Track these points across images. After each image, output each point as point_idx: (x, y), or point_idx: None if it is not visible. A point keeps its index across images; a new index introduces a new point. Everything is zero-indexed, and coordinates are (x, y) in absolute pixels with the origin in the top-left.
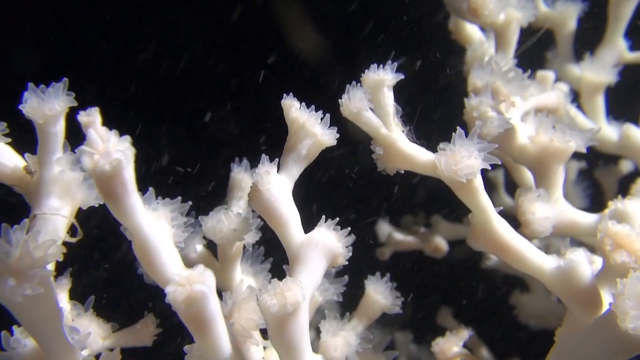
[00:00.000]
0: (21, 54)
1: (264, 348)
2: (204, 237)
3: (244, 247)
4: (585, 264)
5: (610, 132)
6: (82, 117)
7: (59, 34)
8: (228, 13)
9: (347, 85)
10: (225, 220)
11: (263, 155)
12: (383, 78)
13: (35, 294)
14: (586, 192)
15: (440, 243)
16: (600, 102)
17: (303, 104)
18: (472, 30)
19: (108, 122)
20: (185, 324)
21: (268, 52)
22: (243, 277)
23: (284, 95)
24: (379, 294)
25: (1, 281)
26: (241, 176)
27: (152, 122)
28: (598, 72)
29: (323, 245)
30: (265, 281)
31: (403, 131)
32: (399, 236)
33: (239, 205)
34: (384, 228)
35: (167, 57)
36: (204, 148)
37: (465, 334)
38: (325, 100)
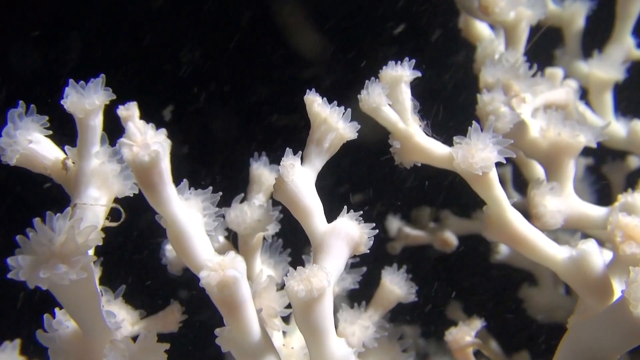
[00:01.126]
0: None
1: (284, 334)
2: (226, 229)
3: (264, 238)
4: (597, 253)
5: (618, 128)
6: (122, 111)
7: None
8: (230, 15)
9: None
10: (249, 212)
11: (287, 148)
12: (401, 74)
13: (79, 278)
14: (593, 188)
15: (450, 237)
16: (608, 99)
17: (324, 99)
18: (481, 28)
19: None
20: (218, 307)
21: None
22: (262, 268)
23: (307, 91)
24: (395, 284)
25: (48, 266)
26: (260, 171)
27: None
28: (606, 69)
29: (345, 234)
30: (284, 272)
31: (420, 126)
32: (409, 230)
33: (258, 198)
34: (394, 223)
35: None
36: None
37: (477, 324)
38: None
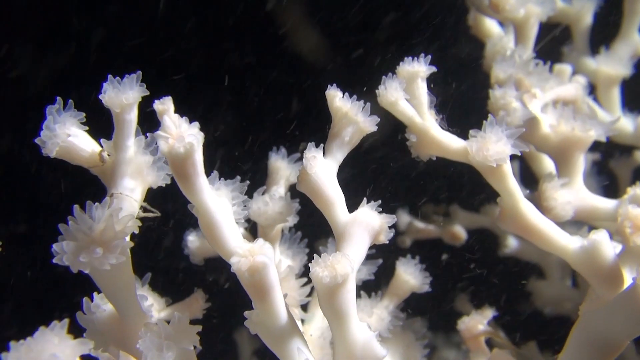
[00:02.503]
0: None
1: (302, 322)
2: (246, 220)
3: (282, 230)
4: (608, 243)
5: (625, 123)
6: (157, 105)
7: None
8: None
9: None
10: (270, 203)
11: (310, 143)
12: (417, 70)
13: (118, 262)
14: (600, 183)
15: (459, 231)
16: (615, 95)
17: (346, 94)
18: (491, 25)
19: None
20: (248, 291)
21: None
22: (281, 258)
23: (328, 86)
24: (409, 275)
25: (89, 251)
26: (279, 164)
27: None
28: (614, 65)
29: (367, 224)
30: (302, 262)
31: (436, 120)
32: (419, 224)
33: (277, 191)
34: (404, 217)
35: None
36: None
37: (489, 313)
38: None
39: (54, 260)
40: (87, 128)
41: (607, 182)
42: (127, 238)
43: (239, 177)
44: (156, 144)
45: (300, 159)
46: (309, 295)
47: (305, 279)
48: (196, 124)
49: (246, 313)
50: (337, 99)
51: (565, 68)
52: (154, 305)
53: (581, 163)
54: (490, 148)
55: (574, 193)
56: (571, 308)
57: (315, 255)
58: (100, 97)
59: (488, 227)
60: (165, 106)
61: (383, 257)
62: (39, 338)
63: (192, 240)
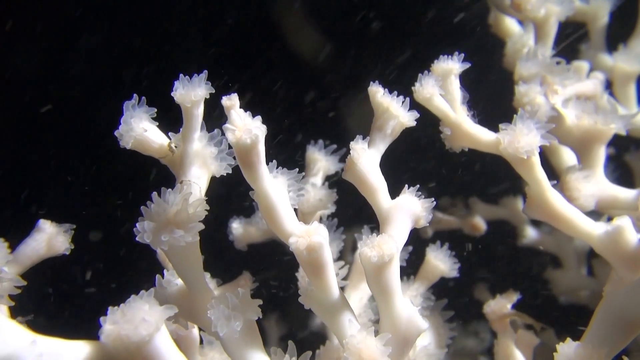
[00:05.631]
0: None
1: None
2: None
3: (320, 218)
4: (631, 228)
5: None
6: (225, 100)
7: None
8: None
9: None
10: (312, 191)
11: (358, 135)
12: (451, 67)
13: (193, 240)
14: (613, 175)
15: (479, 222)
16: (632, 90)
17: (386, 89)
18: (511, 24)
19: None
20: (304, 268)
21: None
22: None
23: (370, 83)
24: (439, 260)
25: (167, 230)
26: (316, 155)
27: None
28: (630, 61)
29: (408, 209)
30: (338, 248)
31: (468, 115)
32: (440, 215)
33: (315, 181)
34: None
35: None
36: None
37: (514, 297)
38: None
39: (137, 238)
40: (157, 123)
41: (621, 176)
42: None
43: (297, 169)
44: (219, 137)
45: (335, 151)
46: (345, 278)
47: (342, 263)
48: (259, 118)
49: (301, 289)
50: (379, 95)
51: (583, 65)
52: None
53: (602, 155)
54: (521, 140)
55: (596, 184)
56: (586, 296)
57: (363, 237)
58: (172, 94)
59: (507, 219)
60: (232, 101)
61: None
62: (131, 304)
63: (236, 227)
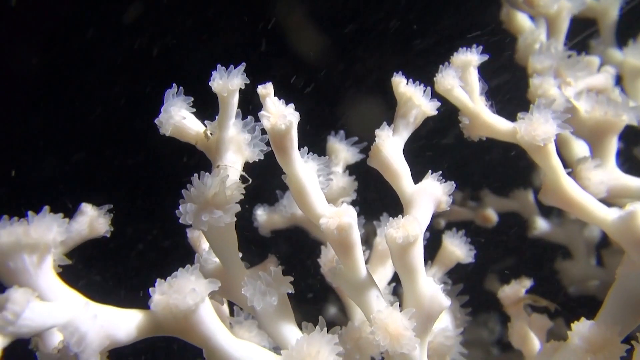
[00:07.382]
0: None
1: None
2: None
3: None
4: None
5: None
6: (261, 89)
7: None
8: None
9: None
10: (335, 179)
11: (384, 122)
12: (470, 59)
13: (232, 221)
14: (622, 168)
15: (490, 213)
16: None
17: (410, 80)
18: (523, 20)
19: None
20: (334, 248)
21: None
22: None
23: (394, 73)
24: (455, 246)
25: (209, 211)
26: (337, 145)
27: None
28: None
29: (430, 193)
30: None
31: (486, 105)
32: (452, 207)
33: (336, 169)
34: None
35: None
36: None
37: (527, 282)
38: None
39: (180, 221)
40: (194, 110)
41: (629, 168)
42: None
43: (327, 156)
44: (252, 124)
45: (356, 142)
46: (366, 262)
47: (363, 247)
48: (292, 105)
49: (331, 269)
50: (402, 85)
51: (593, 60)
52: None
53: (614, 145)
54: (538, 129)
55: (607, 173)
56: (595, 287)
57: (390, 218)
58: (210, 83)
59: (517, 211)
60: (267, 90)
61: None
62: (180, 277)
63: (260, 214)
